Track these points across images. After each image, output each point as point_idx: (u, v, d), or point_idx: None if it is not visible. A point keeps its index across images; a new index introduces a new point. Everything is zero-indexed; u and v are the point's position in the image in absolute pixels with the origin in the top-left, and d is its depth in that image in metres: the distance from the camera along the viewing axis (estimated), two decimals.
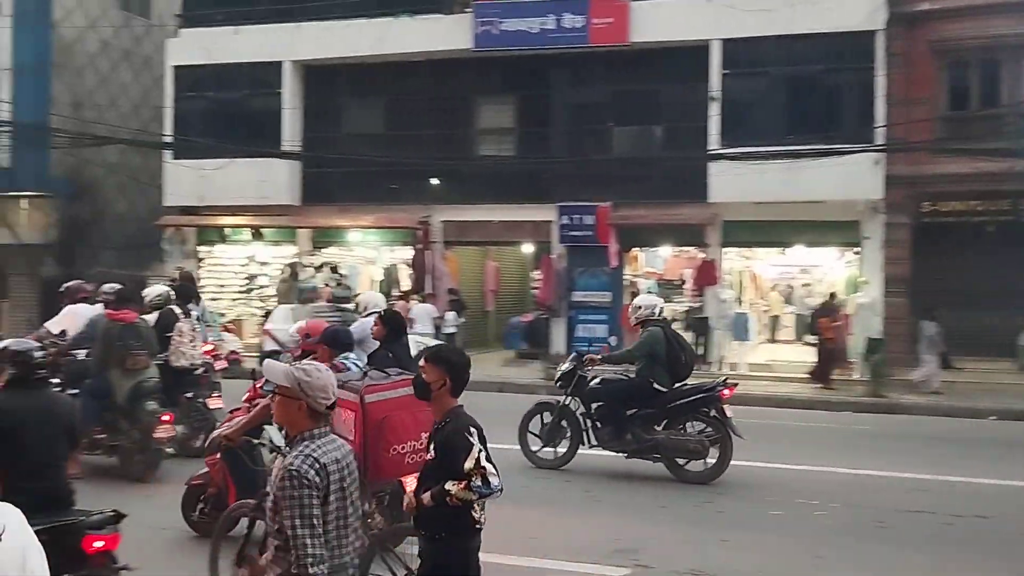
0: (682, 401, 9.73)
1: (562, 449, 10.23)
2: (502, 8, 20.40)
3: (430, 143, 21.17)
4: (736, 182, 18.35)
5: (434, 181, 20.81)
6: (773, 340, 22.86)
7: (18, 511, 2.48)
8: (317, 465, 3.56)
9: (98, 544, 4.86)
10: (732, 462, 9.67)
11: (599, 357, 10.42)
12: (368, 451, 5.47)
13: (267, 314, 17.15)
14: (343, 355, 6.64)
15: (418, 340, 16.98)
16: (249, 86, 22.19)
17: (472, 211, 20.81)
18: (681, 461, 9.71)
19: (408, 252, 21.79)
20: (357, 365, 6.65)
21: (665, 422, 9.77)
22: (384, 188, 21.13)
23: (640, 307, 10.16)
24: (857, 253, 19.34)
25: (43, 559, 2.47)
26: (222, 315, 21.02)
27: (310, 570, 3.48)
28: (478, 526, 4.32)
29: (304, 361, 4.49)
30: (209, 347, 11.69)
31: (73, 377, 9.47)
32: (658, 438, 9.69)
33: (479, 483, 4.16)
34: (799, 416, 14.82)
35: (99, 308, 10.24)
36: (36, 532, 4.63)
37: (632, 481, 9.82)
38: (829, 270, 21.59)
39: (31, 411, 5.04)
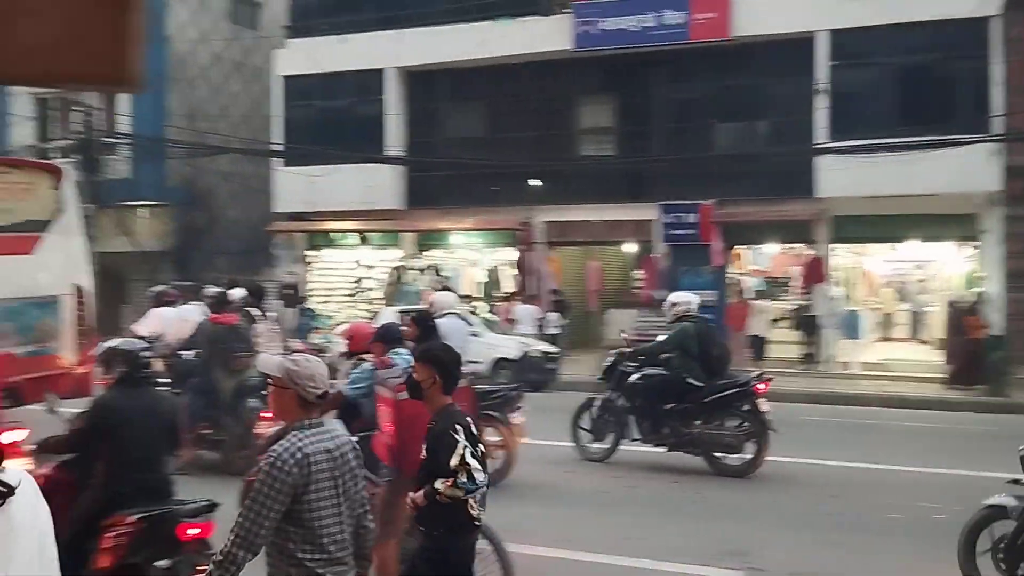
0: (716, 396, 9.92)
1: (608, 443, 10.57)
2: (602, 7, 20.34)
3: (531, 145, 21.24)
4: (846, 176, 17.87)
5: (535, 182, 20.88)
6: (887, 338, 22.15)
7: (31, 477, 2.62)
8: (299, 455, 3.60)
9: (192, 532, 5.09)
10: (844, 463, 9.48)
11: (630, 350, 10.83)
12: (403, 445, 5.59)
13: (373, 316, 17.48)
14: (394, 351, 6.78)
15: (521, 341, 17.23)
16: (354, 93, 22.67)
17: (573, 211, 20.79)
18: (718, 455, 9.93)
19: (510, 254, 21.91)
20: (406, 361, 6.75)
21: (702, 417, 9.98)
22: (486, 190, 21.29)
23: (676, 304, 10.47)
24: (976, 247, 18.60)
25: (50, 522, 2.61)
26: (330, 318, 21.51)
27: (233, 548, 3.56)
28: (476, 522, 4.38)
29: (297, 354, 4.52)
30: (300, 346, 12.03)
31: (180, 377, 9.87)
32: (694, 432, 9.94)
33: (464, 479, 4.23)
34: (917, 416, 14.35)
35: (187, 309, 10.83)
36: (137, 520, 4.94)
37: (733, 481, 9.71)
38: (945, 266, 20.81)
39: (136, 409, 5.28)
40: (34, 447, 6.47)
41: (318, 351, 12.54)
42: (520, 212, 21.11)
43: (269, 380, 3.94)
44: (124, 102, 24.02)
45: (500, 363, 16.77)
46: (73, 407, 6.29)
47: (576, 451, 10.65)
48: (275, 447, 3.72)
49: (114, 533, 4.98)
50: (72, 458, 5.72)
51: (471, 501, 4.31)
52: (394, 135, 22.33)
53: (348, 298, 23.56)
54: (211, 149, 22.05)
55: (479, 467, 4.28)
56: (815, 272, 19.17)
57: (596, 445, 10.66)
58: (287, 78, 23.16)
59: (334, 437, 3.81)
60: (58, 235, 9.62)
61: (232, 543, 3.60)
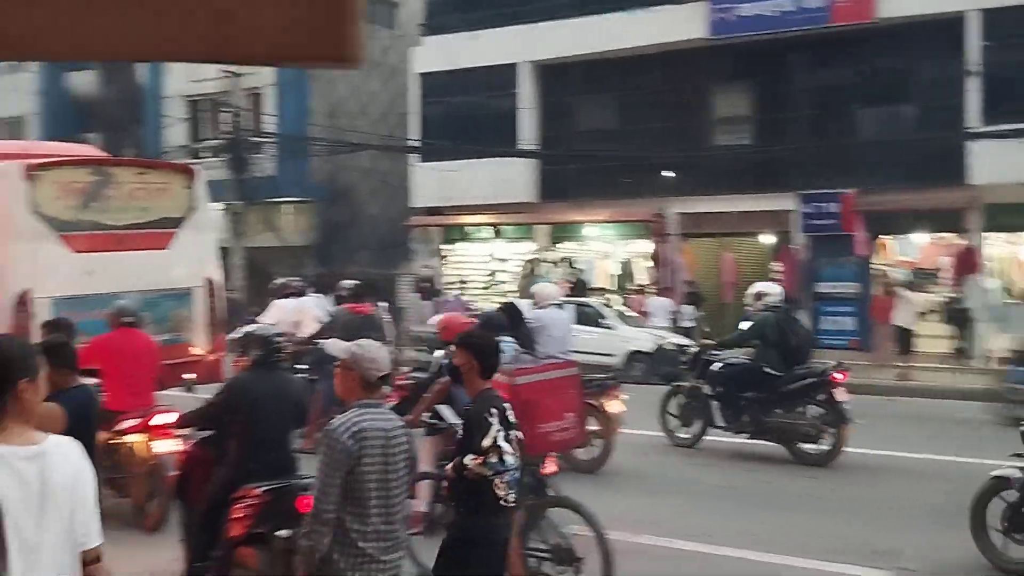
0: (793, 386, 10.06)
1: (696, 430, 10.88)
2: None
3: (664, 135, 21.01)
4: (1001, 162, 16.93)
5: (668, 174, 20.64)
6: None
7: (76, 444, 2.79)
8: (354, 428, 3.91)
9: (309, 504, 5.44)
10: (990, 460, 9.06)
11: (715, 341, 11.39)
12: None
13: None
14: (499, 338, 6.96)
15: (655, 334, 17.09)
16: (487, 88, 22.92)
17: (708, 202, 20.45)
18: (798, 444, 10.08)
19: (643, 246, 21.75)
20: (511, 349, 7.08)
21: (781, 406, 10.14)
22: (619, 182, 21.18)
23: (762, 294, 10.68)
24: None
25: (91, 487, 2.78)
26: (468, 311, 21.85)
27: (315, 519, 3.91)
28: (502, 503, 4.44)
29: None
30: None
31: (317, 363, 10.29)
32: (772, 421, 10.13)
33: (495, 460, 4.35)
34: None
35: (306, 301, 11.43)
36: (262, 493, 5.26)
37: (876, 475, 9.54)
38: None
39: (267, 390, 5.64)
40: (173, 423, 7.04)
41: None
42: (653, 203, 20.91)
43: (336, 363, 4.28)
44: (269, 102, 25.05)
45: (634, 356, 16.70)
46: (207, 391, 6.75)
47: (666, 437, 10.98)
48: (332, 421, 4.01)
49: (243, 504, 5.37)
50: (209, 436, 6.20)
51: (498, 482, 4.40)
52: (527, 129, 22.47)
53: (482, 291, 23.88)
54: (351, 146, 22.73)
55: (510, 451, 4.41)
56: (967, 263, 18.27)
57: (683, 433, 10.99)
58: (423, 75, 23.62)
59: (390, 419, 4.10)
60: (191, 231, 10.25)
61: (311, 514, 3.97)
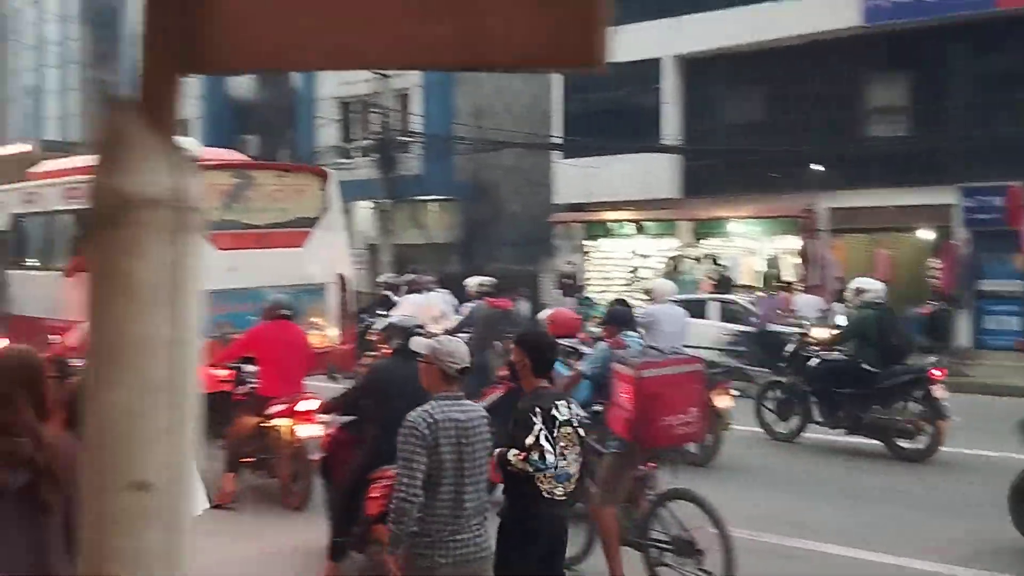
0: (891, 382, 10.09)
1: (794, 425, 11.01)
2: None
3: (813, 128, 20.35)
4: None
5: (818, 167, 19.98)
6: None
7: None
8: (430, 419, 4.17)
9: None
10: None
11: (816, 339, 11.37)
12: (642, 421, 5.95)
13: None
14: (625, 332, 7.35)
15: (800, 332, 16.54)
16: (630, 84, 22.74)
17: (860, 196, 19.67)
18: (897, 440, 10.10)
19: (791, 242, 21.13)
20: (637, 343, 7.34)
21: (879, 402, 10.16)
22: (766, 177, 20.64)
23: (862, 290, 10.72)
24: None
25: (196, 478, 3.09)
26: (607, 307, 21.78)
27: (402, 503, 4.14)
28: (545, 495, 4.59)
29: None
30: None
31: None
32: (869, 417, 10.15)
33: (536, 458, 4.54)
34: None
35: (434, 296, 11.82)
36: (395, 473, 5.49)
37: (977, 473, 9.32)
38: None
39: (405, 377, 5.83)
40: (316, 409, 7.48)
41: (595, 339, 12.84)
42: (802, 198, 20.28)
43: (420, 358, 4.59)
44: (416, 102, 25.66)
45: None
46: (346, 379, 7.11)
47: (763, 430, 11.13)
48: (410, 414, 4.29)
49: (380, 484, 5.65)
50: (350, 421, 6.63)
51: (541, 477, 4.58)
52: (671, 124, 22.20)
53: (624, 287, 23.72)
54: (495, 145, 23.02)
55: (551, 450, 4.56)
56: None
57: (781, 427, 11.15)
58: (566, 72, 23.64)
59: (468, 410, 4.34)
60: (324, 231, 10.94)
61: (395, 499, 4.21)
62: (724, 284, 18.80)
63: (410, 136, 24.64)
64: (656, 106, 22.29)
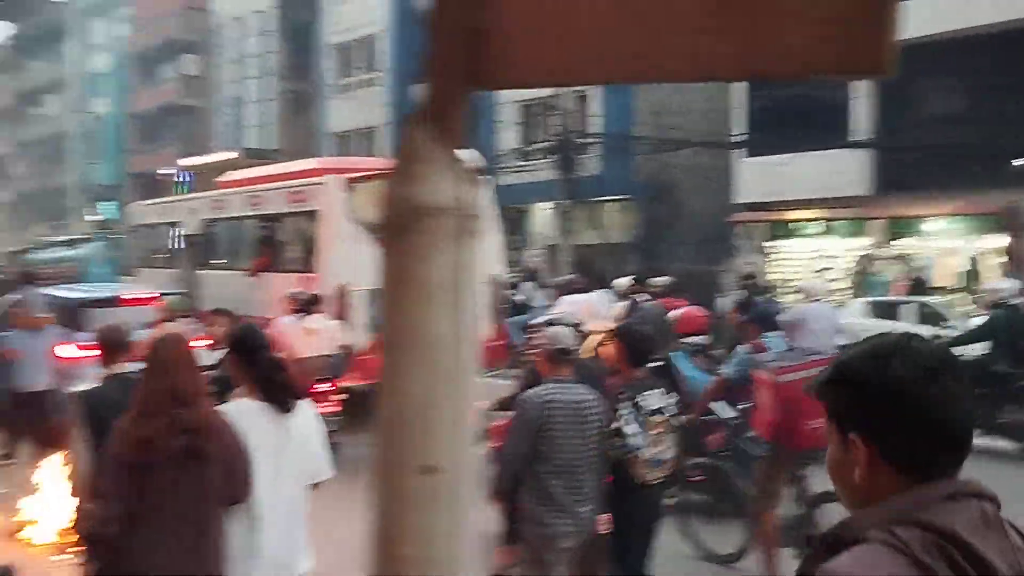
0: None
1: None
2: None
3: (1016, 120, 19.04)
4: None
5: (1022, 161, 18.70)
6: None
7: (314, 407, 3.95)
8: (539, 401, 4.49)
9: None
10: None
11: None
12: (784, 424, 5.97)
13: (838, 308, 16.85)
14: (765, 335, 7.36)
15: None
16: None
17: None
18: None
19: (994, 241, 19.87)
20: (778, 346, 7.34)
21: (1015, 403, 9.94)
22: (966, 172, 19.49)
23: (999, 290, 10.58)
24: None
25: (321, 434, 3.86)
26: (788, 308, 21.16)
27: (507, 467, 4.54)
28: (636, 481, 4.82)
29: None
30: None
31: None
32: (1005, 419, 9.90)
33: (620, 443, 4.78)
34: None
35: (593, 296, 11.96)
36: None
37: None
38: None
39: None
40: (490, 405, 7.86)
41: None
42: (1006, 195, 19.04)
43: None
44: (595, 103, 25.75)
45: None
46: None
47: None
48: (524, 393, 4.68)
49: None
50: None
51: (632, 459, 4.82)
52: (861, 118, 21.32)
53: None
54: (674, 144, 22.77)
55: (635, 431, 4.80)
56: None
57: None
58: None
59: (579, 393, 4.61)
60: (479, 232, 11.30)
61: (500, 465, 4.60)
62: (919, 286, 17.88)
63: (589, 137, 24.74)
64: (845, 100, 21.44)
